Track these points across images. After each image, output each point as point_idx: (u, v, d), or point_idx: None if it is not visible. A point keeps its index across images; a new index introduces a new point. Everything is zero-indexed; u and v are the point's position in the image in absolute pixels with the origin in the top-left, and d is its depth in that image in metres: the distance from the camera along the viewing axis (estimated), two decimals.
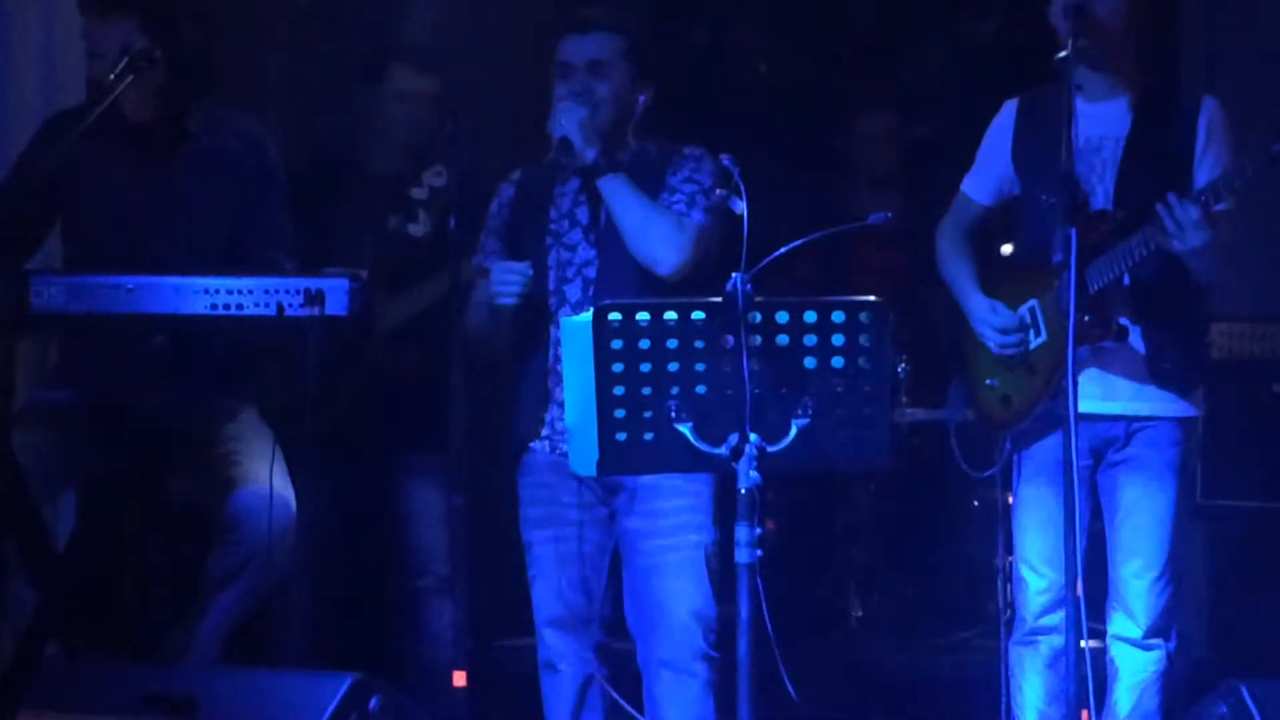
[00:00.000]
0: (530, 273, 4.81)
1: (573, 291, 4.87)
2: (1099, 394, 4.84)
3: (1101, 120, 4.91)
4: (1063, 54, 4.60)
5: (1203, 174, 4.84)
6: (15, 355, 4.95)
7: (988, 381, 5.09)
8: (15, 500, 4.89)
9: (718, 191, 4.78)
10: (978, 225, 5.21)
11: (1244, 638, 6.17)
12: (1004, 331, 4.99)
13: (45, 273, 4.90)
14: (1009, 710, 5.09)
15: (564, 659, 4.89)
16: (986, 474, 5.12)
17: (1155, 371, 4.88)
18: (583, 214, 4.92)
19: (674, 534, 4.82)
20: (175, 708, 4.43)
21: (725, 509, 4.75)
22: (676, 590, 4.80)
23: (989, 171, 5.16)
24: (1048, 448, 4.95)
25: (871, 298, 4.06)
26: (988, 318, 5.03)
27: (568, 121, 4.78)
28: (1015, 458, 5.06)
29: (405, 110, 5.94)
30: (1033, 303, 4.99)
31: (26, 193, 5.05)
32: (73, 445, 5.16)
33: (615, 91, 4.88)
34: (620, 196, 4.79)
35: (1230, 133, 4.91)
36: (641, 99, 4.93)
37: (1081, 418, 4.82)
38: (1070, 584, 4.35)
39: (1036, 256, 4.95)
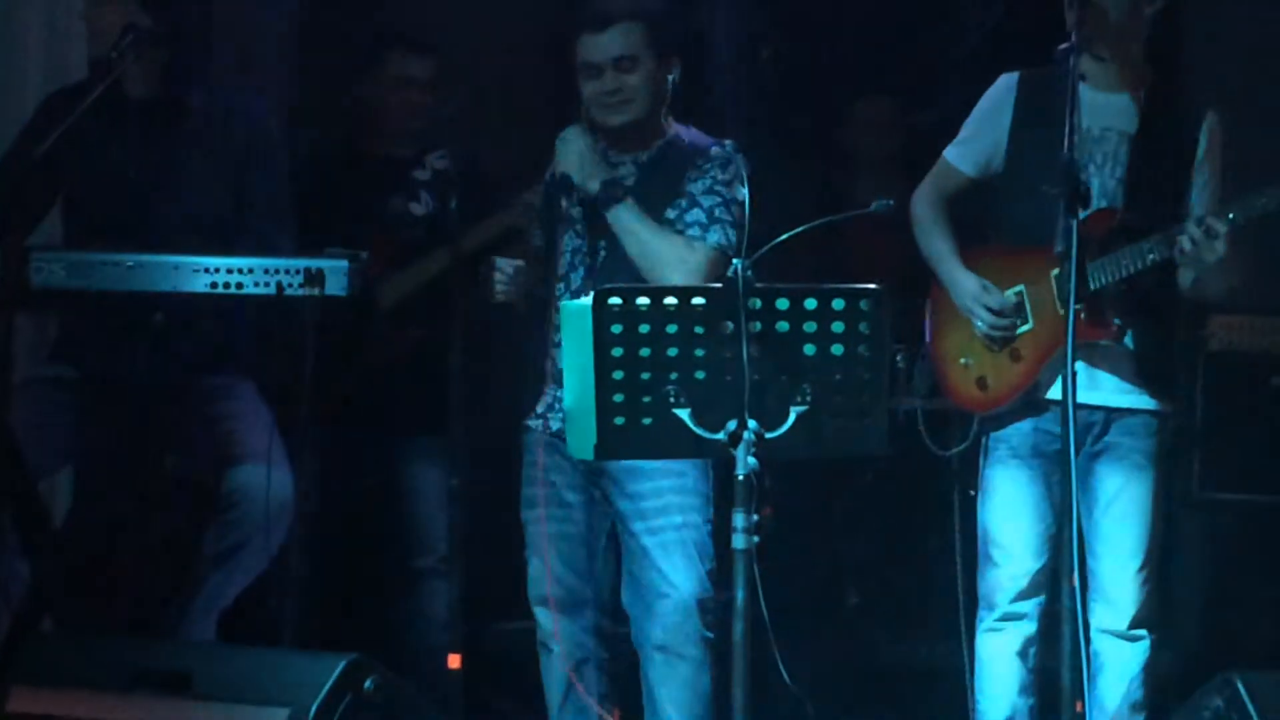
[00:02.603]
0: (512, 271, 4.84)
1: (576, 278, 4.87)
2: (1082, 384, 4.79)
3: (1106, 112, 4.89)
4: (1064, 45, 4.59)
5: (1197, 185, 4.87)
6: (14, 331, 4.95)
7: (961, 361, 5.04)
8: (12, 476, 4.89)
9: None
10: (957, 196, 5.14)
11: (1240, 631, 6.17)
12: (998, 313, 4.96)
13: (46, 249, 4.90)
14: (975, 701, 5.07)
15: (555, 640, 4.89)
16: (951, 452, 5.08)
17: (1141, 370, 4.88)
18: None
19: (659, 515, 4.81)
20: (168, 684, 4.43)
21: (722, 491, 4.76)
22: (666, 572, 4.80)
23: (979, 143, 5.09)
24: (1020, 431, 4.96)
25: (872, 285, 4.06)
26: (980, 296, 4.97)
27: (565, 156, 4.78)
28: (984, 440, 5.03)
29: (402, 95, 5.96)
30: (1019, 288, 4.96)
31: (27, 169, 5.05)
32: (70, 421, 5.16)
33: (646, 82, 4.84)
34: (627, 229, 4.77)
35: (1224, 150, 4.92)
36: (670, 79, 4.89)
37: (1057, 404, 4.84)
38: (1067, 574, 4.35)
39: (1024, 240, 4.95)
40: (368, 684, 4.37)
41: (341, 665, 4.35)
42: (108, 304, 4.81)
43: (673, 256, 4.73)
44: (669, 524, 4.81)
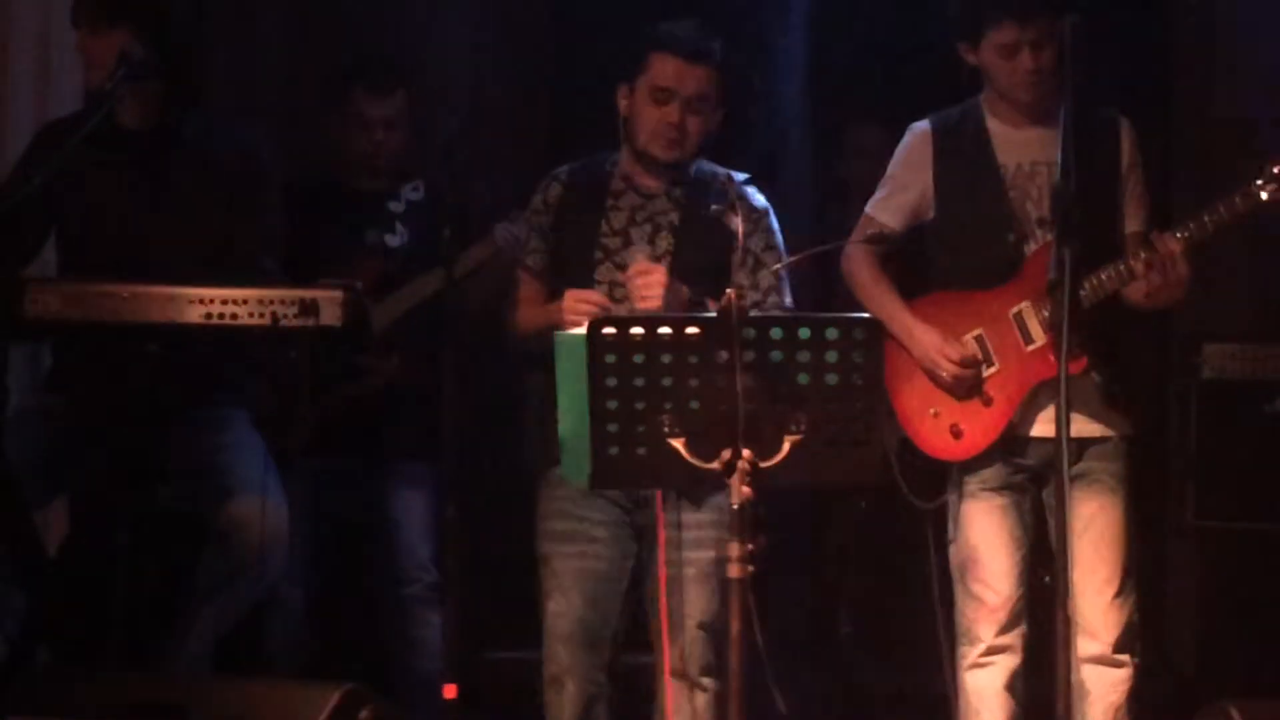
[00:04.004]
0: (609, 305, 4.79)
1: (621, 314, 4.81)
2: (1049, 419, 4.76)
3: (1030, 146, 4.90)
4: (1069, 79, 4.60)
5: (1129, 199, 4.90)
6: (8, 361, 4.94)
7: (930, 412, 5.00)
8: (7, 507, 4.88)
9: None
10: (888, 251, 5.14)
11: (1234, 659, 6.16)
12: (960, 363, 4.94)
13: (41, 280, 4.90)
14: None
15: (572, 676, 4.87)
16: (933, 504, 5.06)
17: (1107, 398, 4.89)
18: (639, 235, 4.91)
19: (696, 547, 4.81)
20: (163, 716, 4.42)
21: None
22: (691, 602, 4.80)
23: (905, 196, 5.09)
24: (993, 465, 4.96)
25: (866, 315, 4.06)
26: (942, 348, 4.94)
27: (649, 297, 4.73)
28: (957, 477, 5.03)
29: (366, 134, 5.95)
30: (977, 332, 4.97)
31: (22, 201, 5.04)
32: (65, 451, 5.16)
33: (706, 126, 4.90)
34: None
35: (1140, 152, 4.96)
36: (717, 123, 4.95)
37: (1032, 440, 4.85)
38: (1061, 604, 4.35)
39: (971, 283, 4.96)
40: (363, 714, 4.37)
41: (337, 695, 4.35)
42: (102, 335, 4.80)
43: None
44: (704, 556, 4.81)
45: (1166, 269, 4.67)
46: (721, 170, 4.99)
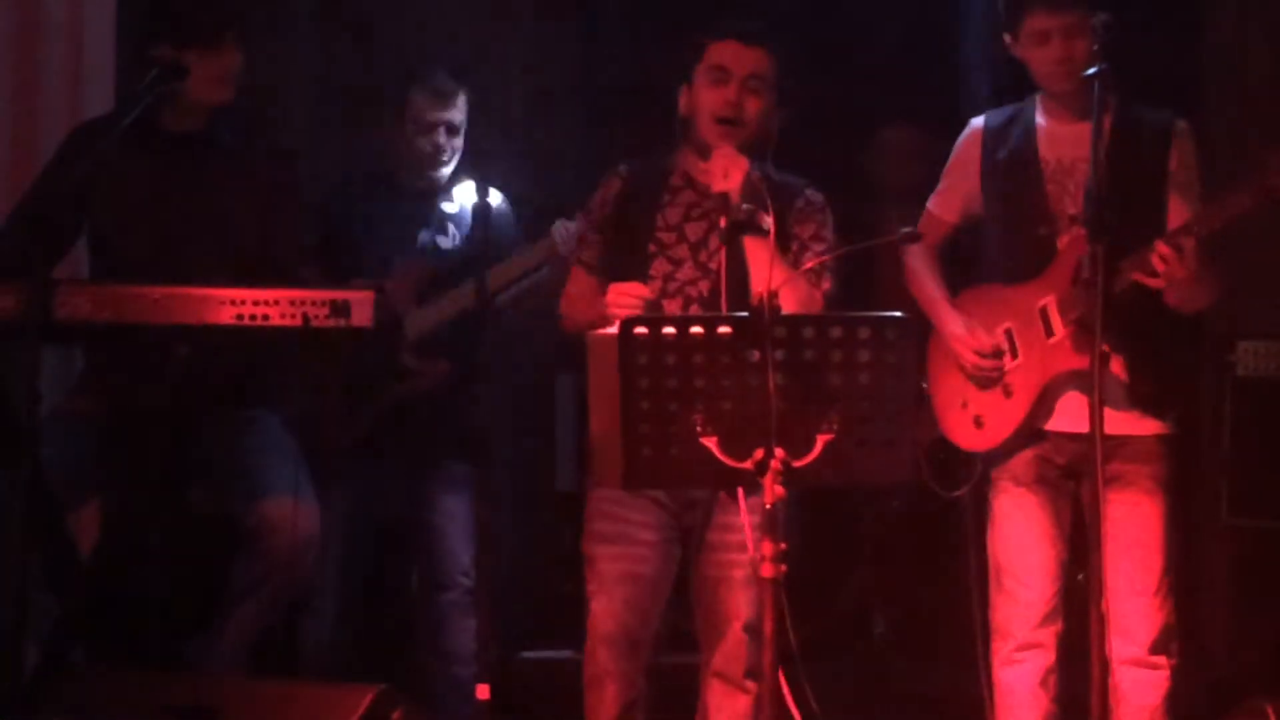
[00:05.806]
0: (652, 297, 4.75)
1: (674, 308, 4.82)
2: (1077, 416, 4.76)
3: (1073, 142, 4.88)
4: (1093, 70, 4.60)
5: (1173, 201, 4.86)
6: (40, 364, 4.96)
7: (961, 403, 5.06)
8: (40, 509, 4.90)
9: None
10: (946, 242, 5.22)
11: (1268, 657, 6.14)
12: (981, 355, 4.98)
13: (71, 282, 4.91)
14: None
15: (612, 677, 4.86)
16: (956, 494, 5.08)
17: (1136, 395, 4.88)
18: (693, 230, 4.90)
19: (743, 549, 4.79)
20: (196, 718, 4.43)
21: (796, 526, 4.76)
22: (737, 605, 4.78)
23: (956, 191, 5.17)
24: (1023, 459, 4.98)
25: (897, 314, 4.05)
26: (963, 338, 5.01)
27: (730, 176, 4.71)
28: (989, 474, 5.04)
29: (427, 139, 5.95)
30: (1008, 325, 4.99)
31: (54, 201, 5.06)
32: (98, 454, 5.17)
33: (764, 111, 4.86)
34: (763, 260, 4.75)
35: (1197, 156, 4.93)
36: (774, 127, 4.91)
37: (1062, 436, 4.84)
38: (1095, 601, 4.34)
39: (1011, 277, 4.98)
40: (395, 715, 4.37)
41: (370, 697, 4.35)
42: (134, 337, 4.81)
43: (799, 299, 4.70)
44: (752, 559, 4.79)
45: (1170, 264, 4.64)
46: (789, 178, 4.97)
